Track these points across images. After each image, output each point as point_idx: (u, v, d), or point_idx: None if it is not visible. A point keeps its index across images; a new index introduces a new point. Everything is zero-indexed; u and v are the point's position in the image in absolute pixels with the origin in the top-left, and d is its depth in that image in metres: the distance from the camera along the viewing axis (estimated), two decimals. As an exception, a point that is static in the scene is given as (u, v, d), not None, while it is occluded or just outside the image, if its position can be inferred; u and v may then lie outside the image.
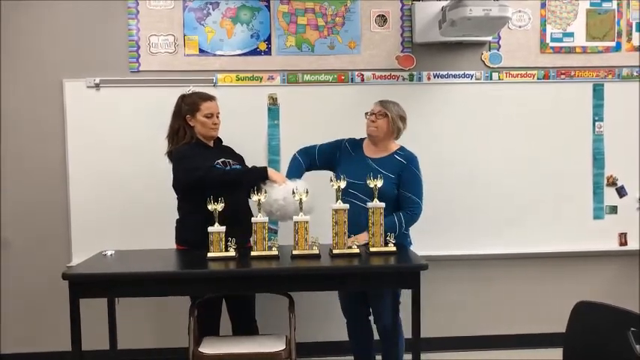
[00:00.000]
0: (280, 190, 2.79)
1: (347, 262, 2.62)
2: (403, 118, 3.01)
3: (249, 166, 3.00)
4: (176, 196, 2.99)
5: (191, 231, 2.88)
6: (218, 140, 3.10)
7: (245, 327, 3.01)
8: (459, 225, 3.65)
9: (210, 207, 2.67)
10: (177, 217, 3.00)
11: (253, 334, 2.98)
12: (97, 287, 2.53)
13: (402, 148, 3.03)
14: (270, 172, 2.89)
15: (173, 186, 2.95)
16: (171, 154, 2.98)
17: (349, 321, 3.16)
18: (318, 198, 2.78)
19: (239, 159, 3.11)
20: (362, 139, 3.10)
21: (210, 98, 3.00)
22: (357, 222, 2.77)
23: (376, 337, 3.09)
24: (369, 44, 3.63)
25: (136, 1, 3.51)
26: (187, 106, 2.97)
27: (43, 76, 3.50)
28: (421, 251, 2.80)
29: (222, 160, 2.97)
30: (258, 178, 2.85)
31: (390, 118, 2.95)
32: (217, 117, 3.00)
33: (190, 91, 3.04)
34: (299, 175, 2.99)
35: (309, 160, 3.09)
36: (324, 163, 3.09)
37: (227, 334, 2.99)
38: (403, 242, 2.93)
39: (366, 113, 3.02)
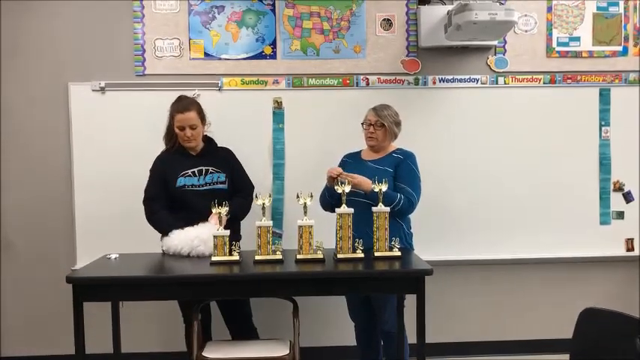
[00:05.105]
0: (176, 239, 2.82)
1: (351, 267, 2.61)
2: (398, 123, 3.04)
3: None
4: None
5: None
6: (207, 144, 3.06)
7: (241, 326, 2.99)
8: (464, 230, 3.62)
9: (214, 210, 2.71)
10: None
11: (251, 335, 2.97)
12: (101, 290, 2.53)
13: (399, 149, 3.06)
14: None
15: None
16: None
17: (357, 325, 3.15)
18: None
19: (225, 166, 3.02)
20: (360, 151, 3.12)
21: (183, 110, 2.92)
22: (356, 222, 2.74)
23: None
24: (374, 48, 3.62)
25: (141, 4, 3.52)
26: (169, 113, 2.97)
27: (48, 79, 3.51)
28: (426, 256, 2.78)
29: (199, 168, 2.96)
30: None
31: (387, 128, 2.98)
32: (192, 128, 2.92)
33: (196, 95, 3.04)
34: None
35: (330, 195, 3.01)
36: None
37: (222, 339, 2.98)
38: (410, 242, 2.95)
39: (362, 124, 3.04)
